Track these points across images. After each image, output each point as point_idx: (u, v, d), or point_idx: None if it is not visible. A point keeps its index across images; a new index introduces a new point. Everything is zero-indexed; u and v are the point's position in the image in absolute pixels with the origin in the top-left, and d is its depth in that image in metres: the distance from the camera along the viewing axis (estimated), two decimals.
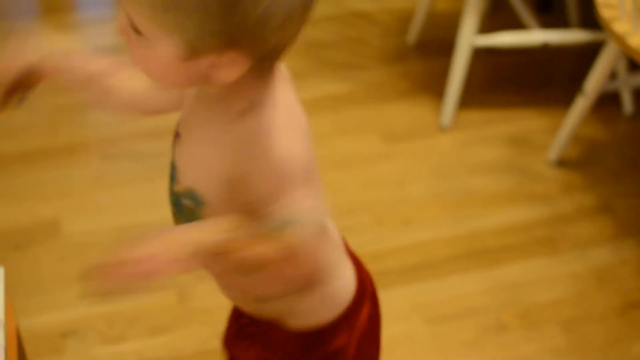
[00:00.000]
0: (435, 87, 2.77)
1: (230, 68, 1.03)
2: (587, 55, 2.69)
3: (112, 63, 1.35)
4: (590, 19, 2.62)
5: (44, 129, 2.67)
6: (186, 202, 1.22)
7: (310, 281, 1.27)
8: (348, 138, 2.61)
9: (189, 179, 1.20)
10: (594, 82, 2.34)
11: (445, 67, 2.73)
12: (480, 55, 2.82)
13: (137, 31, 1.02)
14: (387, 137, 2.60)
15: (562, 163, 2.50)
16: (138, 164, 2.51)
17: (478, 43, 2.56)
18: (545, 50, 2.88)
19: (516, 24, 2.87)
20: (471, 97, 2.72)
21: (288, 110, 1.14)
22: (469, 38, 2.53)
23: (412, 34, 2.97)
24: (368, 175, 2.47)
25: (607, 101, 2.64)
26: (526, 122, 2.67)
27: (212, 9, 0.96)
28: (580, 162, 2.52)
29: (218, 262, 1.09)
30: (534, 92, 2.80)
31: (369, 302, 1.40)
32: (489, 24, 2.93)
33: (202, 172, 1.18)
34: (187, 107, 1.21)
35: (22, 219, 2.34)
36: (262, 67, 1.07)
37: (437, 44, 2.98)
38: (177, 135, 1.23)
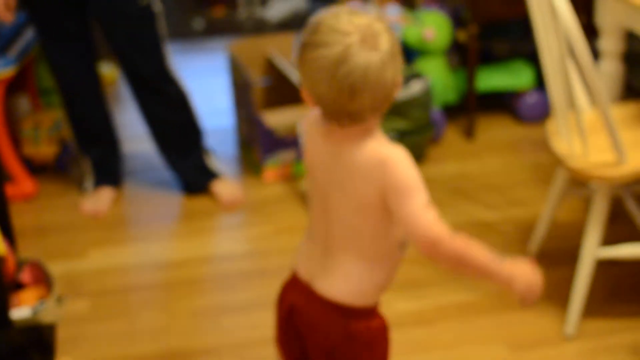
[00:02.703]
0: (557, 296, 2.80)
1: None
2: None
3: None
4: None
5: (181, 332, 2.80)
6: None
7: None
8: (473, 347, 2.66)
9: None
10: None
11: (567, 275, 2.79)
12: (602, 264, 2.86)
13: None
14: (512, 345, 2.64)
15: None
16: None
17: (602, 255, 2.61)
18: None
19: (634, 233, 2.94)
20: (594, 306, 2.75)
21: None
22: (593, 251, 2.59)
23: (534, 243, 3.03)
24: None
25: None
26: None
27: None
28: None
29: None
30: None
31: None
32: (608, 234, 2.98)
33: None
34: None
35: None
36: None
37: (558, 253, 3.03)
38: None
